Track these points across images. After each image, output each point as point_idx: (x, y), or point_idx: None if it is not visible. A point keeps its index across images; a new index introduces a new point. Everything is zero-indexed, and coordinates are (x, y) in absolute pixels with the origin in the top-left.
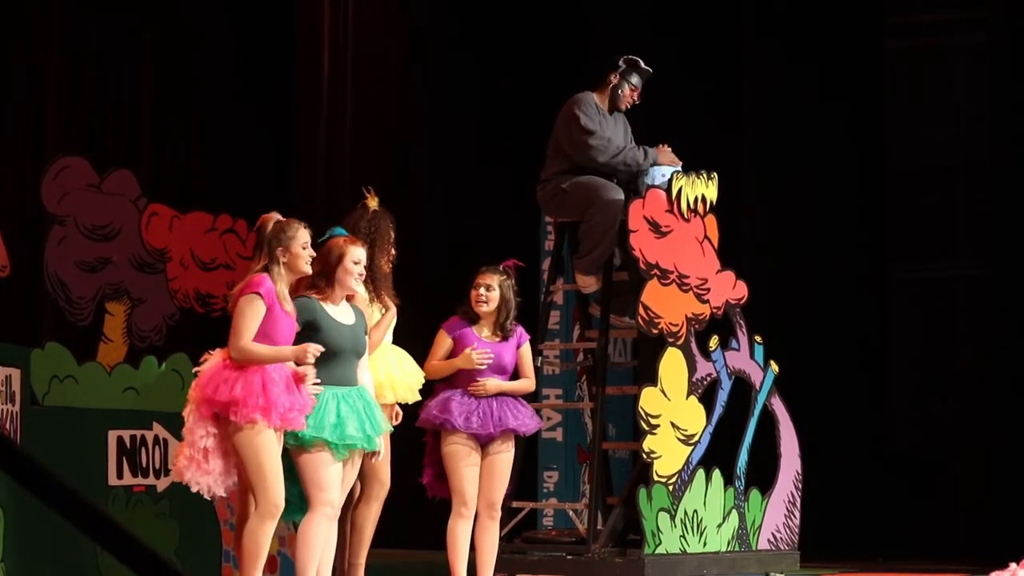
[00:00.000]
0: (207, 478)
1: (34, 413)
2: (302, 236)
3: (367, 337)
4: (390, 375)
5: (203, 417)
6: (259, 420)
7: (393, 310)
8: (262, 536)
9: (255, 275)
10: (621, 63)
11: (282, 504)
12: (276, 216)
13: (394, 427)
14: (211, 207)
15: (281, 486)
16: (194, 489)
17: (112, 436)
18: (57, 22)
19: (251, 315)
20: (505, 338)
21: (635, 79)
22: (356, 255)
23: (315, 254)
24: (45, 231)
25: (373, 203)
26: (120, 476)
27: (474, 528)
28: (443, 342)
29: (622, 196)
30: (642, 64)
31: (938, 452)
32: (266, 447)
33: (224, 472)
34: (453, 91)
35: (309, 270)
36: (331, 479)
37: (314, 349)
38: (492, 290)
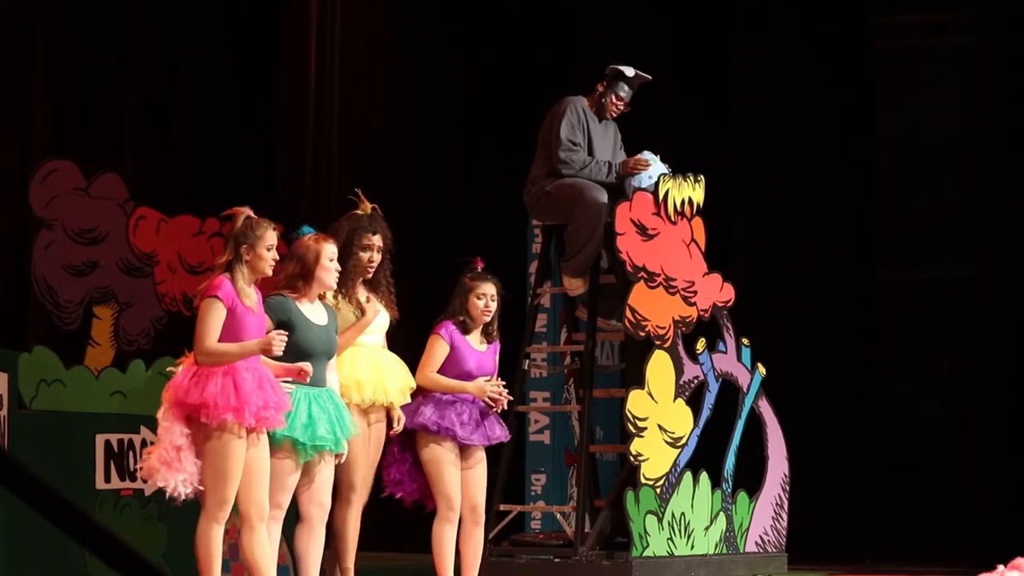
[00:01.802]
0: (177, 476)
1: (21, 417)
2: (269, 238)
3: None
4: (356, 377)
5: (176, 419)
6: (230, 421)
7: (368, 318)
8: (212, 540)
9: (216, 277)
10: (607, 72)
11: (228, 510)
12: (247, 211)
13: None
14: (198, 211)
15: (233, 494)
16: (160, 485)
17: (100, 440)
18: (44, 25)
19: (213, 318)
20: (489, 343)
21: (622, 90)
22: (331, 251)
23: (278, 257)
24: (32, 235)
25: (364, 207)
26: (108, 480)
27: (460, 532)
28: (441, 350)
29: (606, 197)
30: (629, 74)
31: (926, 454)
32: (232, 452)
33: (195, 473)
34: (441, 93)
35: (270, 272)
36: (289, 483)
37: (279, 338)
38: (494, 300)
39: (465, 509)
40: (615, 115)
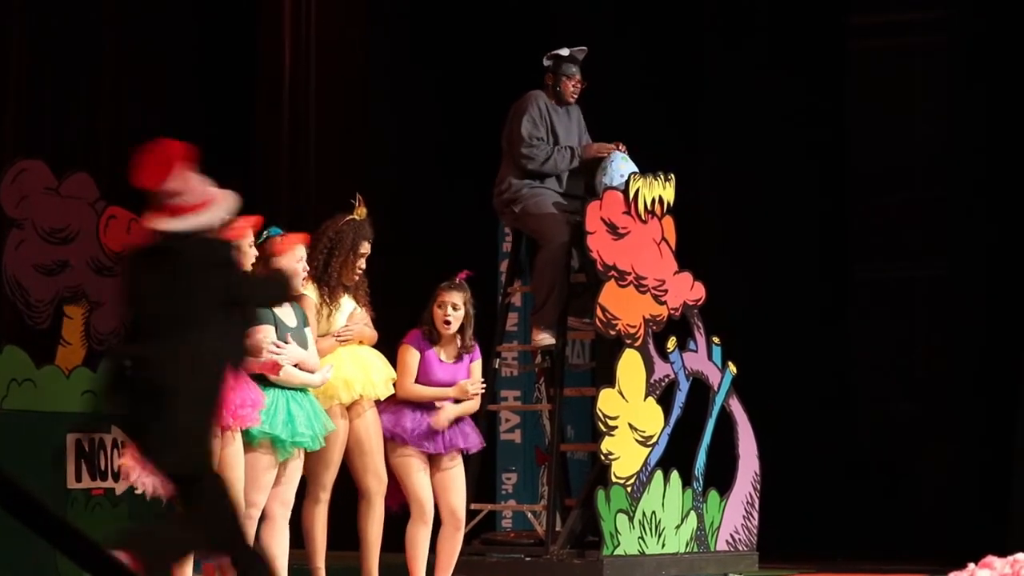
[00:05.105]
0: (151, 478)
1: None
2: (249, 233)
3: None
4: (344, 376)
5: None
6: None
7: (369, 336)
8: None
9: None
10: (546, 61)
11: None
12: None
13: None
14: None
15: None
16: (139, 490)
17: (71, 439)
18: (16, 23)
19: None
20: (460, 357)
21: (570, 70)
22: (300, 253)
23: (258, 253)
24: (3, 234)
25: (360, 213)
26: (79, 479)
27: (438, 535)
28: (412, 358)
29: (567, 236)
30: (564, 54)
31: (897, 453)
32: None
33: None
34: (416, 91)
35: (249, 268)
36: (266, 482)
37: (263, 336)
38: (458, 309)
39: (444, 513)
40: (575, 97)
